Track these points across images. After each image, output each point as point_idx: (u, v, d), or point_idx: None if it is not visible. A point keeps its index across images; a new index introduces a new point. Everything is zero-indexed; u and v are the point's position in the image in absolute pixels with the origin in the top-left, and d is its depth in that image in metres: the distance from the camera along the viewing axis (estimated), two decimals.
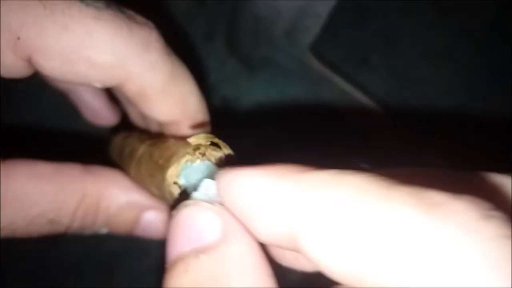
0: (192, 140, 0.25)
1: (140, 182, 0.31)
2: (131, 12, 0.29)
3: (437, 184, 0.16)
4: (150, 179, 0.28)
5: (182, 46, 0.32)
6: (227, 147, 0.25)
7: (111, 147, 0.39)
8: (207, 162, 0.25)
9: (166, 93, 0.31)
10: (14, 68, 0.28)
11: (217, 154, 0.25)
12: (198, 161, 0.25)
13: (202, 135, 0.25)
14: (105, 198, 0.32)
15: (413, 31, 0.46)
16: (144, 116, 0.36)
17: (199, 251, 0.19)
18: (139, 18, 0.29)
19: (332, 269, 0.16)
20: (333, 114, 0.46)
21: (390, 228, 0.15)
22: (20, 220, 0.29)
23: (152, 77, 0.29)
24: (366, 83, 0.44)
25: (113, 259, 0.47)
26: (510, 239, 0.14)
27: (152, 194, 0.31)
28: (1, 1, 0.25)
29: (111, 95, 0.41)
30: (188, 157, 0.25)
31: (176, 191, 0.25)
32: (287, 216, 0.17)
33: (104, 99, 0.43)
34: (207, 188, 0.23)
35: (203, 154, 0.25)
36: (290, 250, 0.18)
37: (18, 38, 0.26)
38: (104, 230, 0.33)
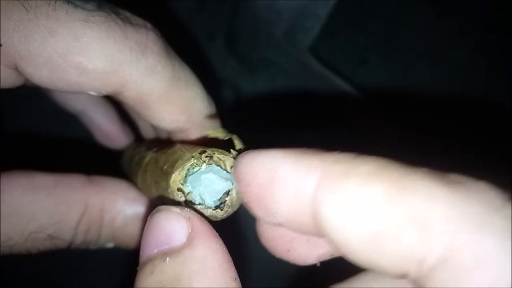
0: (209, 133, 0.24)
1: (147, 191, 0.30)
2: (126, 13, 0.27)
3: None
4: (156, 187, 0.27)
5: (183, 47, 0.31)
6: (241, 143, 0.24)
7: (123, 158, 0.38)
8: (214, 167, 0.24)
9: (168, 100, 0.28)
10: (1, 77, 0.26)
11: (226, 158, 0.24)
12: (204, 166, 0.24)
13: (220, 129, 0.24)
14: (109, 211, 0.30)
15: (412, 31, 0.46)
16: (151, 125, 0.34)
17: (165, 254, 0.20)
18: (136, 19, 0.27)
19: (350, 242, 0.17)
20: (331, 111, 0.46)
21: (410, 200, 0.15)
22: (17, 236, 0.27)
23: (151, 83, 0.27)
24: (365, 83, 0.45)
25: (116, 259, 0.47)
26: None
27: (159, 204, 0.29)
28: None
29: (122, 110, 0.41)
30: (193, 161, 0.24)
31: (180, 198, 0.24)
32: (310, 190, 0.18)
33: (116, 120, 0.42)
34: (211, 192, 0.23)
35: (211, 158, 0.24)
36: (303, 229, 0.19)
37: (0, 45, 0.24)
38: (110, 245, 0.31)
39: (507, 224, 0.14)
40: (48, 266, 0.45)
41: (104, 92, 0.27)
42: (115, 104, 0.43)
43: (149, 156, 0.30)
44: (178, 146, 0.27)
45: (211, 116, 0.31)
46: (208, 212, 0.23)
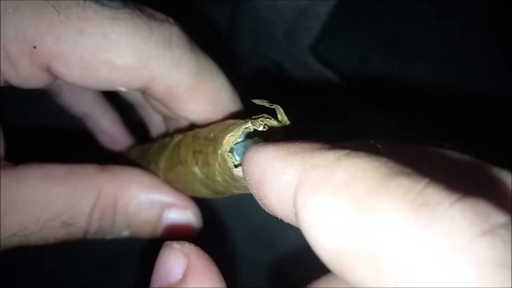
0: (256, 101, 0.23)
1: (172, 172, 0.30)
2: (149, 10, 0.28)
3: (441, 169, 0.16)
4: (194, 158, 0.27)
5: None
6: (284, 115, 0.24)
7: (130, 154, 0.39)
8: (255, 138, 0.23)
9: (194, 91, 0.29)
10: (33, 78, 0.27)
11: (276, 124, 0.23)
12: (261, 128, 0.23)
13: (264, 100, 0.24)
14: (123, 197, 0.30)
15: (413, 32, 0.46)
16: (170, 119, 0.35)
17: None
18: (159, 15, 0.28)
19: (317, 243, 0.16)
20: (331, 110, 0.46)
21: (374, 223, 0.14)
22: (32, 225, 0.27)
23: (177, 75, 0.28)
24: (365, 82, 0.45)
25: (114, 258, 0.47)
26: (506, 268, 0.12)
27: (185, 184, 0.29)
28: (15, 9, 0.24)
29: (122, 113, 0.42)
30: (250, 124, 0.23)
31: (229, 160, 0.23)
32: (290, 198, 0.18)
33: (119, 123, 0.43)
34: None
35: (264, 125, 0.23)
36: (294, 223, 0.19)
37: (34, 47, 0.25)
38: (125, 234, 0.31)
39: (469, 269, 0.12)
40: (49, 263, 0.45)
41: (134, 87, 0.28)
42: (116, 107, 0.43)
43: (181, 136, 0.30)
44: (217, 124, 0.26)
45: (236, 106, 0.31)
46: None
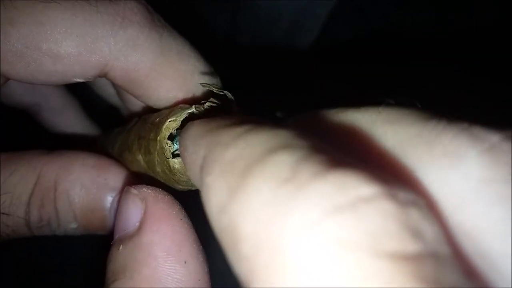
0: (203, 84, 0.22)
1: (121, 159, 0.27)
2: None
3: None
4: (138, 144, 0.24)
5: None
6: (230, 96, 0.22)
7: (100, 138, 0.36)
8: None
9: (159, 74, 0.25)
10: None
11: (220, 107, 0.21)
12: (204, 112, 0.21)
13: (214, 85, 0.22)
14: (63, 180, 0.26)
15: (413, 31, 0.46)
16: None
17: (121, 241, 0.20)
18: None
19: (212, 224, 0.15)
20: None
21: (238, 203, 0.13)
22: None
23: (135, 57, 0.24)
24: (366, 81, 0.45)
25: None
26: (353, 249, 0.11)
27: (134, 165, 0.26)
28: None
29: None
30: (194, 109, 0.21)
31: (167, 147, 0.21)
32: (198, 170, 0.16)
33: (74, 108, 0.38)
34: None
35: (208, 109, 0.21)
36: None
37: None
38: (73, 226, 0.27)
39: None
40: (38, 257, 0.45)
41: (90, 77, 0.25)
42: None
43: (136, 119, 0.27)
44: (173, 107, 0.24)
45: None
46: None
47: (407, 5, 0.46)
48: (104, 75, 0.25)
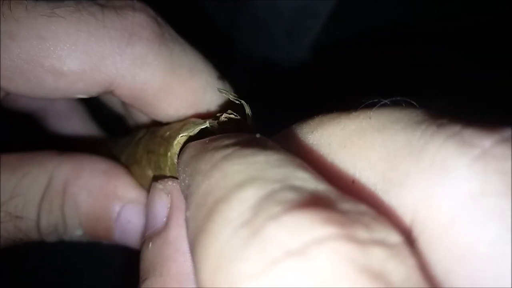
0: (221, 90, 0.21)
1: (131, 170, 0.26)
2: None
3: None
4: (147, 159, 0.23)
5: None
6: (250, 110, 0.21)
7: (108, 144, 0.35)
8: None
9: (168, 93, 0.24)
10: None
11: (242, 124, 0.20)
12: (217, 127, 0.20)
13: (232, 93, 0.21)
14: (72, 184, 0.25)
15: (414, 30, 0.46)
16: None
17: (150, 238, 0.19)
18: (118, 2, 0.23)
19: None
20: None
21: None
22: None
23: (143, 76, 0.23)
24: (365, 82, 0.44)
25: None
26: None
27: (143, 180, 0.25)
28: None
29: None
30: (208, 124, 0.20)
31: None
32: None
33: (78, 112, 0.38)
34: None
35: (222, 124, 0.20)
36: None
37: None
38: (78, 233, 0.26)
39: None
40: (46, 264, 0.45)
41: (94, 94, 0.24)
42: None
43: (144, 131, 0.26)
44: (182, 120, 0.23)
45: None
46: None
47: (408, 4, 0.46)
48: (110, 92, 0.24)
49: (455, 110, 0.15)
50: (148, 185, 0.24)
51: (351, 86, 0.45)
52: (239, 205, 0.13)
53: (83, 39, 0.22)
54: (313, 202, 0.12)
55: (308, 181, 0.13)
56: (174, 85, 0.24)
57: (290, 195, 0.12)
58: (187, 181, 0.16)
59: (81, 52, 0.22)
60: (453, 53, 0.44)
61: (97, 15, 0.22)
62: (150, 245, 0.19)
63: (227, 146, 0.15)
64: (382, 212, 0.13)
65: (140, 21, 0.23)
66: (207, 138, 0.17)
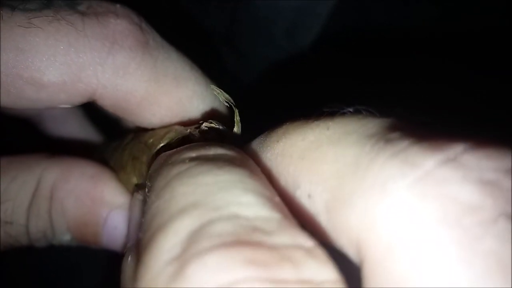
0: (213, 88, 0.21)
1: (119, 175, 0.26)
2: (88, 2, 0.22)
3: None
4: (132, 165, 0.23)
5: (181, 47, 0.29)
6: (238, 116, 0.20)
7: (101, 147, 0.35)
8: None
9: (152, 102, 0.23)
10: None
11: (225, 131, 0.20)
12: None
13: (223, 94, 0.21)
14: (60, 188, 0.25)
15: (414, 30, 0.46)
16: None
17: (131, 251, 0.19)
18: (101, 6, 0.22)
19: None
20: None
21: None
22: None
23: (125, 86, 0.22)
24: (364, 82, 0.44)
25: None
26: None
27: (129, 186, 0.25)
28: None
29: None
30: (189, 131, 0.20)
31: None
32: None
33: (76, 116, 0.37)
34: None
35: (204, 132, 0.20)
36: None
37: None
38: (66, 238, 0.26)
39: None
40: (45, 265, 0.45)
41: (77, 103, 0.23)
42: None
43: (132, 135, 0.25)
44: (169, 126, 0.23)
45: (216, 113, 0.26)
46: None
47: (408, 4, 0.46)
48: (93, 101, 0.24)
49: (422, 116, 0.14)
50: (133, 192, 0.24)
51: (351, 86, 0.45)
52: (173, 237, 0.13)
53: (62, 50, 0.21)
54: (245, 236, 0.12)
55: (251, 207, 0.13)
56: (158, 94, 0.23)
57: (223, 228, 0.12)
58: (148, 195, 0.16)
59: (60, 63, 0.21)
60: (454, 54, 0.44)
61: (77, 24, 0.21)
62: (129, 258, 0.19)
63: (184, 161, 0.15)
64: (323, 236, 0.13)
65: (122, 29, 0.22)
66: (174, 150, 0.17)
